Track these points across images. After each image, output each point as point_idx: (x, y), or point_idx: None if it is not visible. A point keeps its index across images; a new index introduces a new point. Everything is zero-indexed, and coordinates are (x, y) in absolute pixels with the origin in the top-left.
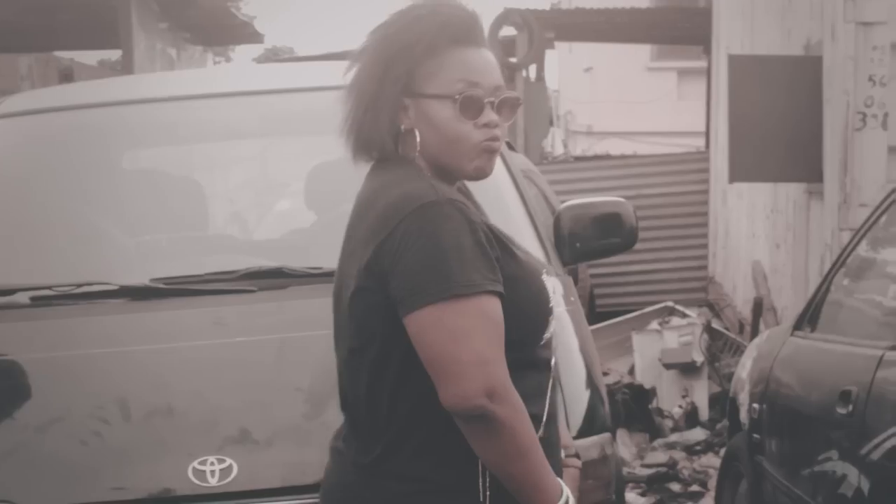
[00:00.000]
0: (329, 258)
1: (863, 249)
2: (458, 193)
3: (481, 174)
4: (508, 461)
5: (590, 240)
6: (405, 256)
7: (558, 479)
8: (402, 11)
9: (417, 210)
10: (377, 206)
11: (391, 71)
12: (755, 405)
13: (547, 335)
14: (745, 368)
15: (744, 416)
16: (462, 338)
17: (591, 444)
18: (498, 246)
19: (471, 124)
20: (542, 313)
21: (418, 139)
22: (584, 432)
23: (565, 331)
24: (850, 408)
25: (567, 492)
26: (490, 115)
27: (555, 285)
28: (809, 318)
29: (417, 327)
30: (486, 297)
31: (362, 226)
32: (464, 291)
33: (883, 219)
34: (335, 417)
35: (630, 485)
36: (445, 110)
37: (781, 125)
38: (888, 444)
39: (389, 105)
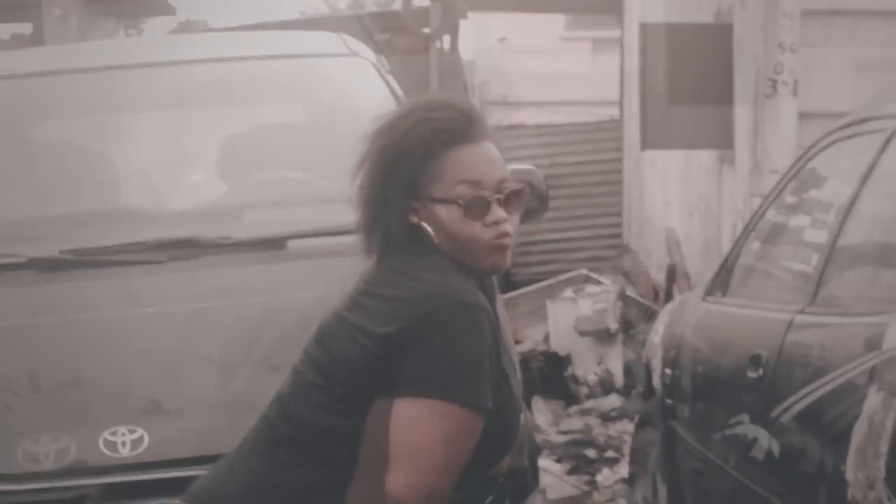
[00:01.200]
0: (239, 228)
1: (772, 215)
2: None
3: (496, 269)
4: None
5: None
6: (432, 345)
7: None
8: (399, 116)
9: (459, 306)
10: (412, 286)
11: (394, 178)
12: (667, 370)
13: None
14: (657, 333)
15: (656, 381)
16: (447, 441)
17: None
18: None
19: (478, 225)
20: (507, 446)
21: (431, 233)
22: None
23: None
24: (761, 371)
25: None
26: (497, 213)
27: None
28: (720, 283)
29: (410, 412)
30: (480, 414)
31: (386, 297)
32: (468, 403)
33: (791, 184)
34: (245, 387)
35: (545, 451)
36: (452, 213)
37: (693, 93)
38: (797, 407)
39: (397, 208)
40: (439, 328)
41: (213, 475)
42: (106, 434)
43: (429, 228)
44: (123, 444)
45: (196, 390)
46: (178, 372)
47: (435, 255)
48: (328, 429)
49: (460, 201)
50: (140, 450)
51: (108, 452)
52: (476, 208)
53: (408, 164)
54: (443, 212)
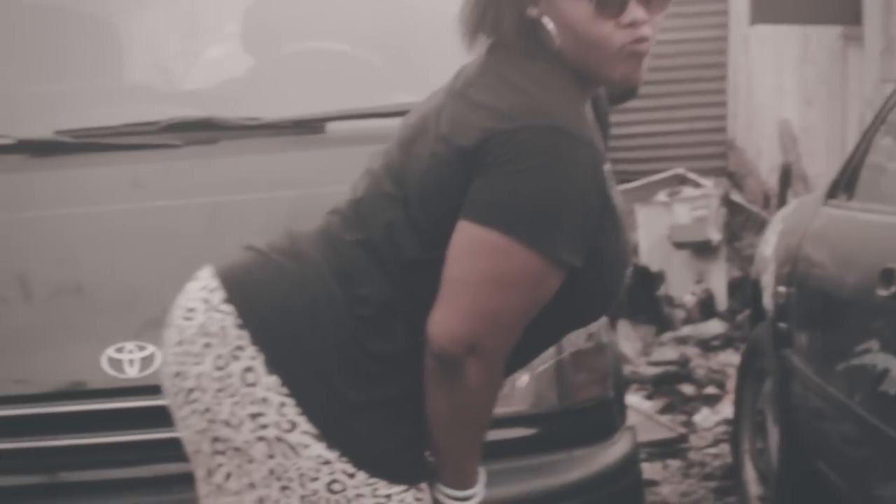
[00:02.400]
0: (268, 108)
1: None
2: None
3: (628, 82)
4: (448, 424)
5: None
6: (508, 167)
7: (481, 471)
8: None
9: (553, 131)
10: (507, 95)
11: None
12: (781, 288)
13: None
14: (769, 245)
15: (768, 301)
16: (498, 284)
17: (583, 331)
18: (604, 208)
19: (611, 25)
20: (602, 304)
21: (553, 32)
22: None
23: None
24: (893, 289)
25: (481, 487)
26: (635, 12)
27: None
28: (846, 184)
29: (464, 239)
30: (550, 265)
31: (474, 104)
32: (535, 245)
33: None
34: None
35: (634, 386)
36: (580, 8)
37: None
38: None
39: None
40: (521, 150)
41: (259, 275)
42: (110, 351)
43: (550, 25)
44: (131, 362)
45: None
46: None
47: (549, 63)
48: (400, 248)
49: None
50: (150, 370)
51: (112, 373)
52: (611, 4)
53: None
54: (569, 5)
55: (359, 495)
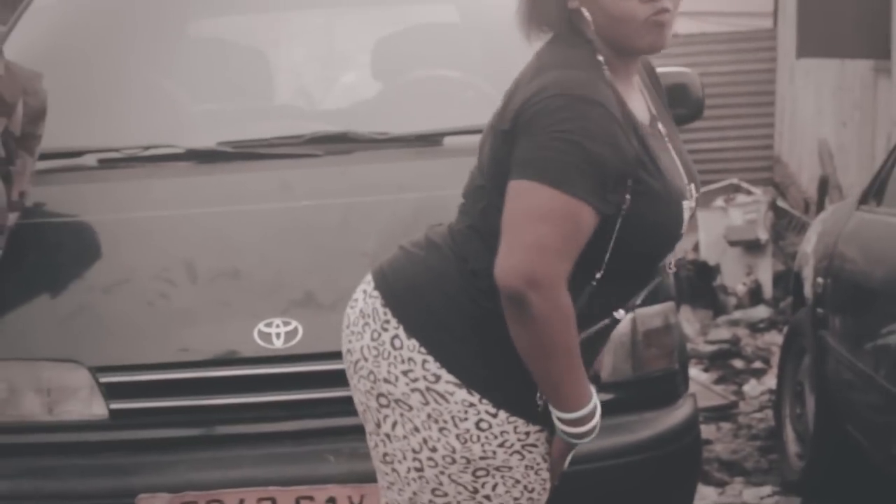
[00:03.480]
0: (395, 124)
1: None
2: (627, 90)
3: (655, 49)
4: (534, 354)
5: None
6: (531, 130)
7: (589, 386)
8: None
9: (562, 96)
10: (537, 80)
11: None
12: (819, 279)
13: (663, 261)
14: (809, 243)
15: (808, 290)
16: (542, 221)
17: (655, 313)
18: (645, 155)
19: (635, 1)
20: (664, 240)
21: (589, 18)
22: (648, 301)
23: None
24: None
25: (595, 402)
26: None
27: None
28: (875, 192)
29: (510, 195)
30: (584, 205)
31: (515, 93)
32: (560, 186)
33: None
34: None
35: (693, 360)
36: None
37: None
38: None
39: None
40: (542, 115)
41: (398, 265)
42: (261, 325)
43: (587, 13)
44: (278, 335)
45: (349, 284)
46: (332, 265)
47: (584, 48)
48: (493, 227)
49: None
50: (294, 342)
51: (262, 343)
52: None
53: None
54: None
55: (503, 432)
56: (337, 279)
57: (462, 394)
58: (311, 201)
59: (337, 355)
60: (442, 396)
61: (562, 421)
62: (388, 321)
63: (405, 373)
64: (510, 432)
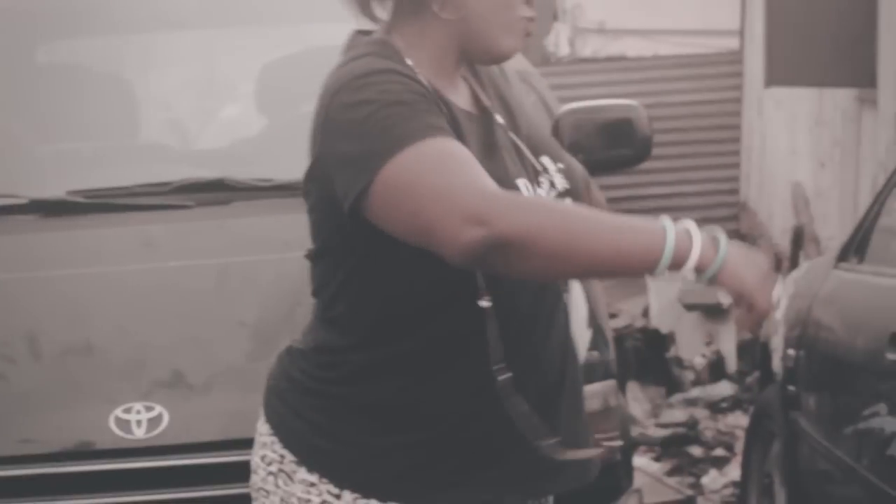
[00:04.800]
0: (281, 169)
1: None
2: (443, 83)
3: (512, 54)
4: (567, 260)
5: (595, 151)
6: (345, 123)
7: (649, 221)
8: None
9: (344, 86)
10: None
11: None
12: (791, 351)
13: None
14: (779, 308)
15: (777, 364)
16: (423, 188)
17: (593, 394)
18: (452, 125)
19: None
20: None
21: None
22: (584, 379)
23: None
24: None
25: (669, 225)
26: None
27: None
28: (857, 247)
29: (379, 193)
30: (440, 139)
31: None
32: (415, 141)
33: None
34: None
35: (642, 448)
36: None
37: (829, 19)
38: None
39: None
40: (334, 113)
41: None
42: (118, 411)
43: None
44: (139, 423)
45: (225, 361)
46: (204, 338)
47: (375, 44)
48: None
49: None
50: (158, 430)
51: (120, 433)
52: None
53: None
54: None
55: None
56: (210, 355)
57: (302, 473)
58: (180, 262)
59: (209, 447)
60: (289, 476)
61: (682, 269)
62: (261, 416)
63: (262, 458)
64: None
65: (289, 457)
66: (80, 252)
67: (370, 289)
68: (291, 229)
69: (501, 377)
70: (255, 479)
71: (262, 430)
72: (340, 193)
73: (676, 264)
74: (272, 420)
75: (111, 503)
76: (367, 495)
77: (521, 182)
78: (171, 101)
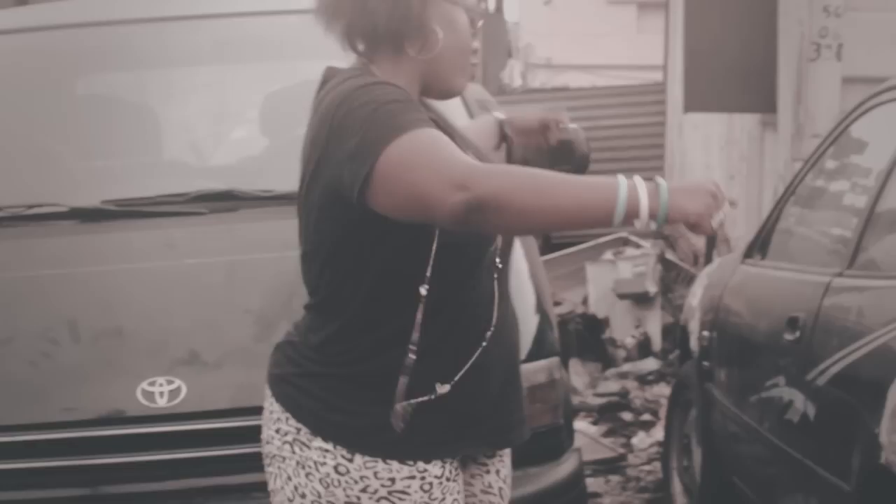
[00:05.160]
0: (281, 181)
1: (812, 179)
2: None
3: (462, 91)
4: (536, 214)
5: (541, 166)
6: (341, 133)
7: (605, 179)
8: None
9: (348, 96)
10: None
11: None
12: (705, 333)
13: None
14: (695, 296)
15: (693, 344)
16: (411, 169)
17: (539, 369)
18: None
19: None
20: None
21: (440, 39)
22: (532, 356)
23: (515, 256)
24: (798, 334)
25: (622, 181)
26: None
27: None
28: (760, 245)
29: (376, 189)
30: (419, 130)
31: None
32: (410, 129)
33: (832, 148)
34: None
35: (582, 414)
36: (463, 19)
37: (737, 55)
38: (833, 370)
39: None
40: (346, 113)
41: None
42: (144, 384)
43: (440, 32)
44: (161, 394)
45: (234, 342)
46: (216, 323)
47: (364, 74)
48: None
49: (476, 9)
50: (177, 400)
51: (145, 402)
52: (476, 19)
53: None
54: (457, 15)
55: (363, 477)
56: (221, 337)
57: (318, 441)
58: (196, 259)
59: (221, 413)
60: (305, 444)
61: (635, 218)
62: (268, 397)
63: (277, 430)
64: (370, 477)
65: (304, 429)
66: (112, 252)
67: (359, 276)
68: (289, 232)
69: (409, 357)
70: (270, 448)
71: (274, 409)
72: (348, 182)
73: (630, 214)
74: (284, 402)
75: (138, 461)
76: (374, 457)
77: None
78: (188, 126)
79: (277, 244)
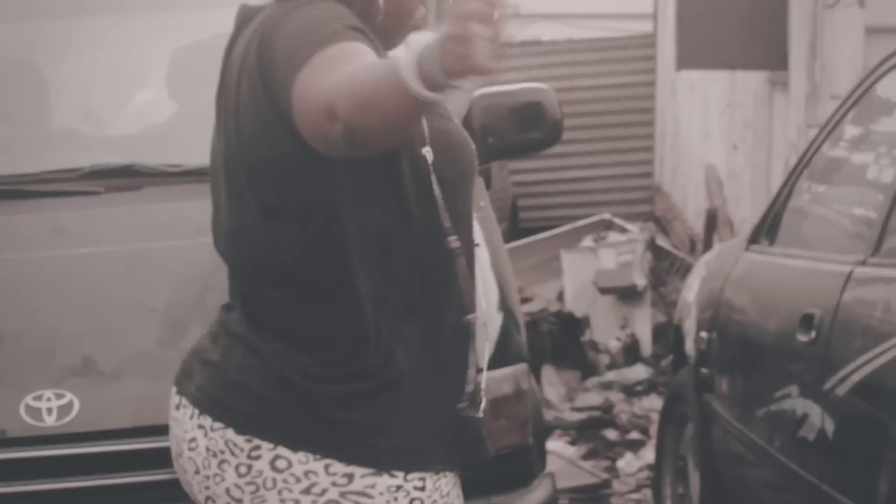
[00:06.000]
0: (191, 154)
1: (830, 149)
2: None
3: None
4: (378, 129)
5: (505, 134)
6: (285, 29)
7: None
8: None
9: (291, 9)
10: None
11: None
12: (703, 334)
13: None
14: (691, 291)
15: (690, 347)
16: (310, 79)
17: (504, 378)
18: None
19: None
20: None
21: (381, 7)
22: (495, 363)
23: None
24: (813, 335)
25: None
26: None
27: None
28: (768, 229)
29: (300, 86)
30: (345, 36)
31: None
32: (341, 40)
33: (853, 112)
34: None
35: (557, 432)
36: None
37: (739, 2)
38: (856, 377)
39: None
40: (277, 26)
41: (232, 385)
42: (28, 399)
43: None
44: (49, 410)
45: (137, 347)
46: (115, 325)
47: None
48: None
49: None
50: (69, 418)
51: (31, 421)
52: None
53: None
54: None
55: (434, 502)
56: (121, 341)
57: (385, 480)
58: (90, 248)
59: (121, 433)
60: (363, 494)
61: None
62: (256, 447)
63: (306, 490)
64: (438, 500)
65: (361, 471)
66: None
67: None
68: (202, 214)
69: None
70: None
71: (297, 459)
72: (282, 94)
73: (429, 85)
74: (320, 445)
75: (23, 491)
76: (444, 469)
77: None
78: (82, 87)
79: (188, 229)
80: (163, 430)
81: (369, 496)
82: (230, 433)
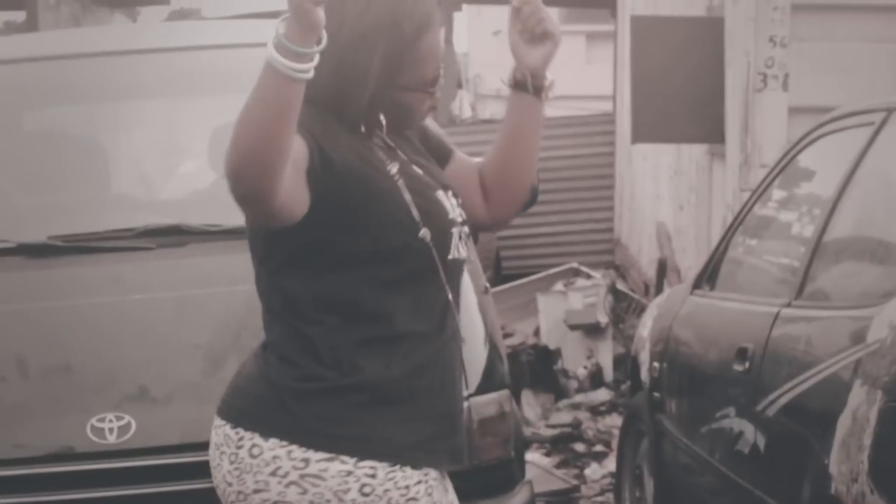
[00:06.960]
0: (229, 216)
1: (760, 209)
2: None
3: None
4: (258, 148)
5: None
6: None
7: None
8: None
9: None
10: None
11: (376, 48)
12: (655, 364)
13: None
14: (645, 327)
15: (644, 374)
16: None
17: (489, 401)
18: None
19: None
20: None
21: (384, 123)
22: (482, 389)
23: (463, 288)
24: (747, 365)
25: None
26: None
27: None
28: (708, 276)
29: None
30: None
31: None
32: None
33: (779, 178)
34: (232, 374)
35: (534, 445)
36: (415, 98)
37: (684, 86)
38: (783, 401)
39: (377, 89)
40: None
41: (237, 389)
42: (93, 420)
43: (383, 120)
44: (111, 430)
45: (183, 377)
46: (165, 358)
47: None
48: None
49: (431, 90)
50: (127, 436)
51: (95, 439)
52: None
53: (396, 38)
54: (409, 98)
55: (386, 490)
56: (170, 372)
57: (336, 465)
58: (144, 295)
59: (171, 449)
60: (317, 477)
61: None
62: (241, 438)
63: (273, 473)
64: (392, 489)
65: (317, 456)
66: (60, 288)
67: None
68: (238, 267)
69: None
70: (266, 495)
71: (267, 446)
72: None
73: (288, 55)
74: (284, 432)
75: (88, 498)
76: (398, 462)
77: (440, 193)
78: (136, 159)
79: (225, 279)
80: (205, 446)
81: (322, 478)
82: (227, 428)
